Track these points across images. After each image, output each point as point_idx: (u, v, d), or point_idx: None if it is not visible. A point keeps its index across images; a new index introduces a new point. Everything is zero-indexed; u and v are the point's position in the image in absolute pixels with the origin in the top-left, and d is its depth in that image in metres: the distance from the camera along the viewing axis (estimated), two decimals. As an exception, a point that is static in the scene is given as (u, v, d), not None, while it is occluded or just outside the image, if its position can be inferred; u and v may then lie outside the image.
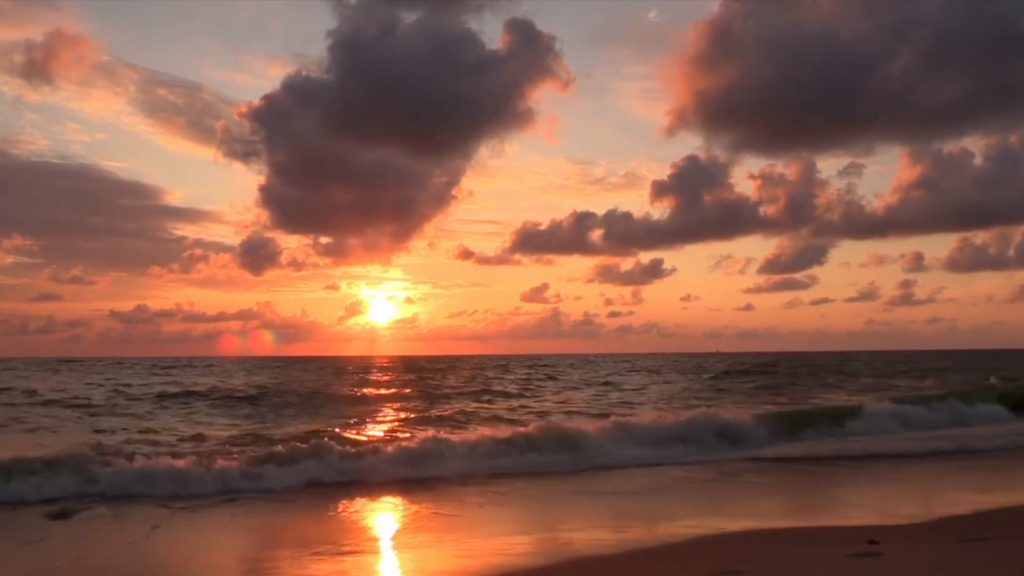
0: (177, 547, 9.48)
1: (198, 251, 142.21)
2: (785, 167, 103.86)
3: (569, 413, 26.43)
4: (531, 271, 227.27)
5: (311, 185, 70.57)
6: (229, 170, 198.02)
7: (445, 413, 25.24)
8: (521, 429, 17.73)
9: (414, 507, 12.12)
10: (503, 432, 17.54)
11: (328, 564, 8.36)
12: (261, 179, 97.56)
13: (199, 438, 18.45)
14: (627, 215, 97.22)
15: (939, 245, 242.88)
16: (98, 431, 20.59)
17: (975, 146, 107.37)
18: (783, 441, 19.37)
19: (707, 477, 14.89)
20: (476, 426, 20.83)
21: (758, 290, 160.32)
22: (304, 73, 62.68)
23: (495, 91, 58.82)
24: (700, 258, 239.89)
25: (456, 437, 17.08)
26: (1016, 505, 11.35)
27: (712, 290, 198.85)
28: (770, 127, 65.11)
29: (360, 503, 12.34)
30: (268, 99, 61.14)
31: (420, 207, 77.67)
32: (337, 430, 19.30)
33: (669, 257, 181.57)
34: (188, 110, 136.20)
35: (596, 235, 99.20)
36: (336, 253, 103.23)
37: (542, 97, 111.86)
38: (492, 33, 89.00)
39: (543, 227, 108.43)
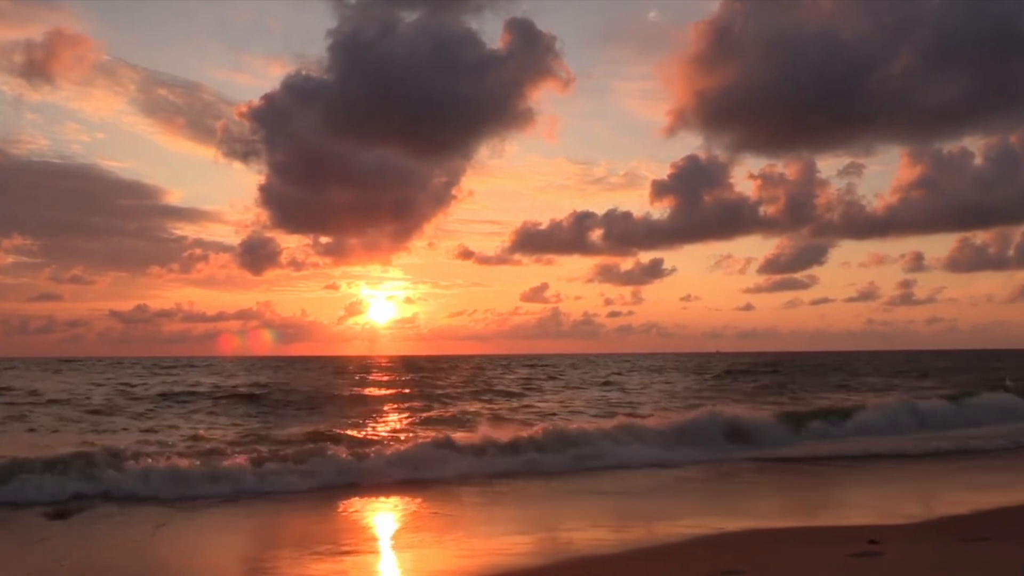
0: (178, 547, 9.49)
1: (198, 251, 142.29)
2: (785, 167, 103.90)
3: (573, 412, 26.48)
4: (531, 271, 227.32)
5: (311, 185, 70.58)
6: (229, 170, 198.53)
7: (449, 414, 25.22)
8: (528, 431, 17.70)
9: (414, 507, 12.13)
10: (519, 432, 17.51)
11: (328, 564, 8.37)
12: (261, 179, 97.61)
13: (203, 439, 18.43)
14: (627, 215, 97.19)
15: (939, 245, 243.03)
16: (102, 431, 20.60)
17: (975, 146, 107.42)
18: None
19: (707, 477, 14.90)
20: (480, 426, 20.76)
21: (758, 290, 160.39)
22: (304, 73, 62.74)
23: (495, 91, 58.85)
24: (700, 258, 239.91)
25: (463, 438, 17.01)
26: (1016, 505, 11.35)
27: (712, 290, 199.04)
28: (770, 127, 65.14)
29: (360, 503, 12.35)
30: (268, 99, 61.09)
31: (420, 207, 77.66)
32: (343, 431, 19.31)
33: (669, 257, 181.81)
34: (188, 110, 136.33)
35: (596, 235, 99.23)
36: (336, 253, 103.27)
37: (542, 97, 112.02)
38: (492, 33, 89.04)
39: (543, 227, 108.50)
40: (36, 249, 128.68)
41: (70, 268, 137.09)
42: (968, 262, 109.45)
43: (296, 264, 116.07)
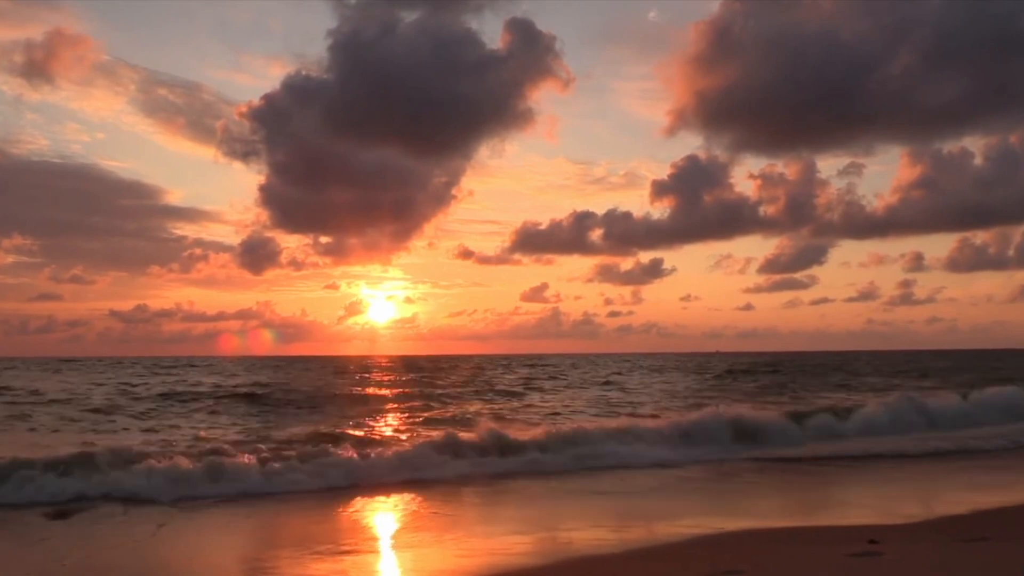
0: (179, 547, 9.49)
1: (198, 251, 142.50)
2: (785, 167, 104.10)
3: (575, 412, 26.49)
4: (531, 271, 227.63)
5: (311, 185, 70.64)
6: (229, 170, 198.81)
7: (450, 414, 25.22)
8: (530, 432, 17.68)
9: (414, 507, 12.14)
10: (522, 432, 17.49)
11: (328, 564, 8.37)
12: (261, 179, 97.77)
13: (203, 439, 18.42)
14: (627, 215, 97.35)
15: (939, 245, 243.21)
16: (103, 432, 20.61)
17: (975, 146, 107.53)
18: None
19: (707, 477, 14.91)
20: (482, 426, 20.71)
21: (758, 290, 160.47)
22: (304, 73, 62.74)
23: (495, 91, 58.88)
24: (700, 258, 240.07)
25: (465, 438, 16.98)
26: (1016, 505, 11.35)
27: (712, 290, 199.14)
28: (770, 127, 65.20)
29: (360, 503, 12.35)
30: (268, 99, 61.18)
31: (420, 207, 77.73)
32: (345, 431, 19.31)
33: (669, 257, 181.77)
34: (188, 110, 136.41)
35: (596, 235, 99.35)
36: (336, 253, 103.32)
37: (542, 97, 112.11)
38: (492, 33, 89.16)
39: (543, 227, 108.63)
40: (36, 249, 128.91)
41: (70, 268, 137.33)
42: (968, 262, 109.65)
43: (296, 264, 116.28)
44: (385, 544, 9.67)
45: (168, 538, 9.90)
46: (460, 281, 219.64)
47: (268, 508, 12.06)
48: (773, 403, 28.94)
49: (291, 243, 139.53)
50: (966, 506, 11.26)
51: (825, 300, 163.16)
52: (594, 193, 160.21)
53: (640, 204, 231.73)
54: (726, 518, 10.69)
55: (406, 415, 25.38)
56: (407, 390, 38.71)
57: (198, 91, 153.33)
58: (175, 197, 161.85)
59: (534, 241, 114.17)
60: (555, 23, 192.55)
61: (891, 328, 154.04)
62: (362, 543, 9.57)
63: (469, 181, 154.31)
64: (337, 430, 19.43)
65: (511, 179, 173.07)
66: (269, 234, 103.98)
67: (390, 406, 29.36)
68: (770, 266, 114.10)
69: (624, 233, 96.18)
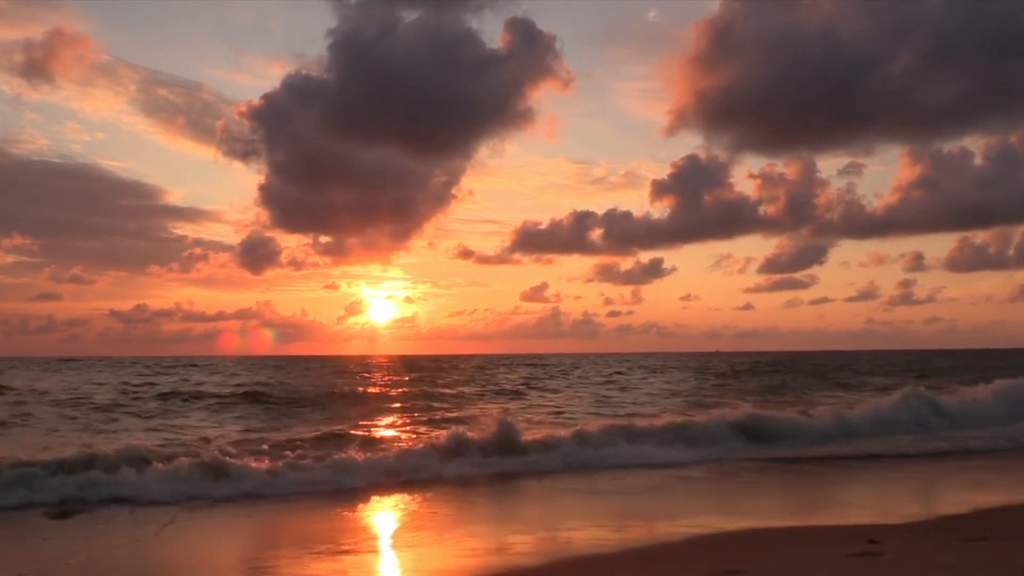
0: (180, 547, 9.49)
1: (198, 250, 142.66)
2: (785, 167, 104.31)
3: (577, 412, 26.47)
4: (531, 270, 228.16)
5: (311, 184, 70.69)
6: (229, 169, 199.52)
7: (453, 414, 25.17)
8: (532, 433, 17.65)
9: (414, 507, 12.14)
10: (525, 433, 17.46)
11: (328, 563, 8.37)
12: (261, 178, 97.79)
13: (206, 439, 18.43)
14: (627, 215, 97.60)
15: (939, 245, 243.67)
16: (104, 432, 20.60)
17: (975, 146, 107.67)
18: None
19: (707, 477, 14.90)
20: (486, 426, 20.66)
21: (758, 290, 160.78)
22: (304, 73, 62.64)
23: (495, 91, 58.92)
24: (700, 258, 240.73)
25: (473, 437, 16.95)
26: (1016, 505, 11.35)
27: (712, 290, 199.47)
28: (770, 127, 65.26)
29: (360, 503, 12.34)
30: (268, 98, 61.24)
31: (420, 207, 77.84)
32: (349, 431, 19.33)
33: (669, 257, 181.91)
34: (188, 110, 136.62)
35: (596, 235, 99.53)
36: (336, 252, 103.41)
37: (542, 97, 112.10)
38: (492, 32, 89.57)
39: (543, 226, 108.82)
40: (36, 249, 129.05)
41: (70, 268, 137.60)
42: (968, 262, 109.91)
43: (296, 264, 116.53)
44: (385, 544, 9.66)
45: (169, 538, 9.89)
46: (460, 281, 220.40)
47: (269, 508, 12.06)
48: (776, 402, 28.93)
49: (291, 243, 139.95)
50: (966, 506, 11.26)
51: (825, 300, 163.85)
52: (594, 193, 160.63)
53: (640, 204, 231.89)
54: (726, 518, 10.69)
55: (407, 415, 25.35)
56: (408, 390, 38.68)
57: (198, 91, 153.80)
58: (175, 197, 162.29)
59: (534, 241, 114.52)
60: (555, 23, 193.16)
61: (891, 328, 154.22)
62: (362, 543, 9.57)
63: (469, 181, 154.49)
64: (339, 430, 19.43)
65: (511, 179, 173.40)
66: (269, 234, 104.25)
67: (391, 406, 29.34)
68: (770, 266, 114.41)
69: (624, 233, 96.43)
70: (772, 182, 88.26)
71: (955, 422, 22.17)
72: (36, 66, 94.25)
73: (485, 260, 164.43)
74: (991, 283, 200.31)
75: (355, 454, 15.08)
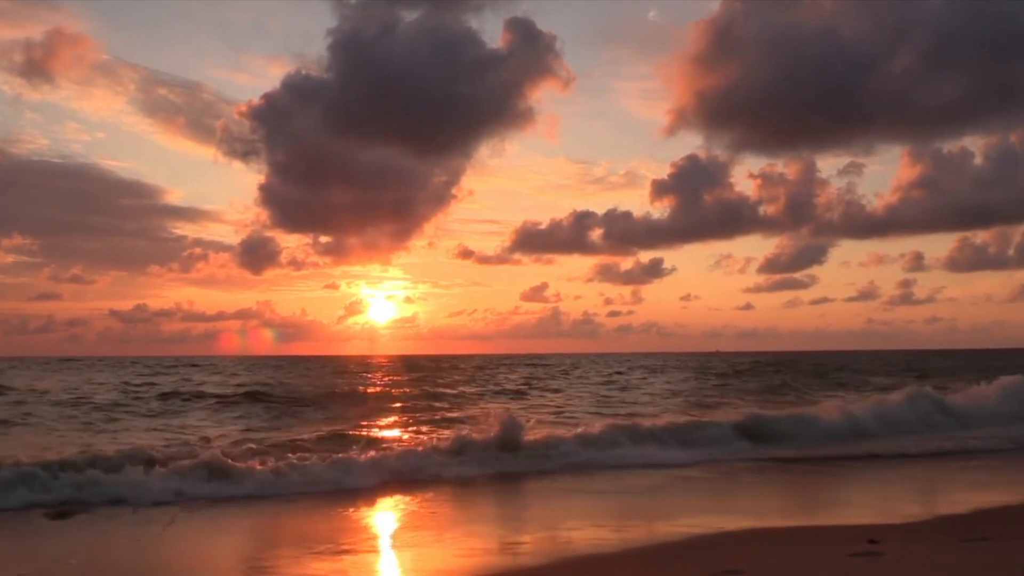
0: (180, 547, 9.49)
1: (198, 250, 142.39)
2: (785, 166, 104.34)
3: (579, 411, 26.47)
4: (531, 270, 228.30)
5: (311, 184, 70.52)
6: (229, 169, 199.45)
7: (455, 414, 25.15)
8: (534, 434, 17.64)
9: (414, 506, 12.14)
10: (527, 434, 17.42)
11: (328, 563, 8.37)
12: (261, 178, 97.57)
13: (207, 438, 18.43)
14: (627, 214, 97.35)
15: (939, 245, 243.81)
16: (105, 432, 20.60)
17: (975, 146, 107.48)
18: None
19: (707, 477, 14.90)
20: (489, 427, 20.60)
21: (758, 290, 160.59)
22: (304, 72, 62.31)
23: (495, 90, 58.84)
24: (700, 257, 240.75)
25: (476, 438, 16.92)
26: (1016, 505, 11.35)
27: (712, 290, 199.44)
28: (770, 126, 65.21)
29: (360, 503, 12.34)
30: (268, 98, 60.96)
31: (420, 206, 77.74)
32: (351, 431, 19.33)
33: (669, 256, 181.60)
34: (188, 109, 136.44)
35: (596, 234, 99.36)
36: (336, 252, 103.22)
37: (542, 96, 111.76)
38: (492, 32, 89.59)
39: (543, 226, 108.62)
40: (36, 249, 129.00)
41: (70, 267, 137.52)
42: (968, 262, 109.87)
43: (296, 264, 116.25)
44: (385, 544, 9.66)
45: (170, 538, 9.90)
46: (460, 281, 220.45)
47: (269, 508, 12.07)
48: (778, 402, 28.92)
49: (291, 243, 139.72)
50: (966, 506, 11.26)
51: (825, 300, 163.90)
52: (594, 193, 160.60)
53: (640, 204, 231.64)
54: (726, 518, 10.68)
55: (408, 415, 25.34)
56: (408, 390, 38.65)
57: (198, 91, 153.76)
58: (175, 197, 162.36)
59: (534, 241, 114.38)
60: (555, 23, 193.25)
61: (891, 328, 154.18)
62: (362, 543, 9.57)
63: (469, 181, 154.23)
64: (339, 430, 19.43)
65: (511, 179, 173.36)
66: (269, 234, 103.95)
67: (391, 405, 29.33)
68: (770, 266, 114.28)
69: (624, 233, 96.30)
70: (772, 182, 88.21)
71: (961, 421, 22.30)
72: (36, 66, 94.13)
73: (485, 260, 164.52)
74: (991, 283, 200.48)
75: (356, 454, 15.07)
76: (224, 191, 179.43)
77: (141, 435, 19.39)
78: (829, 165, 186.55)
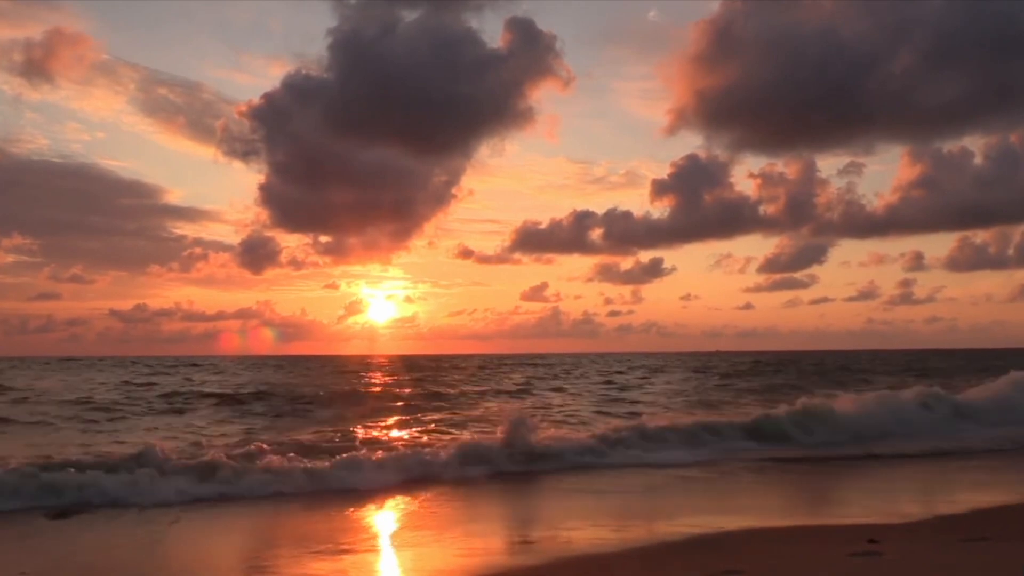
0: (179, 546, 9.50)
1: (198, 250, 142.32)
2: (785, 166, 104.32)
3: (580, 411, 26.46)
4: (531, 270, 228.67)
5: (311, 184, 70.42)
6: (229, 169, 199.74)
7: (459, 415, 25.12)
8: (537, 435, 17.63)
9: (414, 506, 12.14)
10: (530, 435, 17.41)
11: (328, 563, 8.37)
12: (261, 178, 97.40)
13: (208, 438, 18.42)
14: (627, 214, 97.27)
15: (939, 244, 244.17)
16: (105, 432, 20.62)
17: (975, 146, 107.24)
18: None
19: (707, 476, 14.89)
20: (496, 429, 20.50)
21: (758, 289, 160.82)
22: (304, 72, 62.23)
23: (495, 90, 58.78)
24: (700, 257, 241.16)
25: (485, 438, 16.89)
26: (1016, 505, 11.35)
27: (712, 289, 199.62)
28: (770, 126, 65.16)
29: (360, 503, 12.33)
30: (268, 98, 60.88)
31: (420, 206, 77.63)
32: (353, 431, 19.32)
33: (669, 256, 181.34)
34: (188, 109, 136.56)
35: (596, 234, 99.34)
36: (336, 252, 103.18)
37: (542, 96, 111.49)
38: (492, 32, 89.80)
39: (543, 226, 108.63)
40: (36, 248, 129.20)
41: (70, 267, 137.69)
42: (968, 261, 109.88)
43: (296, 263, 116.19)
44: (385, 544, 9.66)
45: (169, 538, 9.90)
46: (460, 280, 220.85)
47: (269, 508, 12.07)
48: (781, 402, 28.83)
49: (291, 242, 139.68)
50: (966, 506, 11.26)
51: (825, 299, 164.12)
52: (594, 192, 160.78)
53: (640, 203, 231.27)
54: (726, 517, 10.68)
55: (409, 415, 25.30)
56: (409, 390, 38.62)
57: (198, 90, 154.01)
58: (175, 196, 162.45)
59: (534, 240, 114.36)
60: (555, 22, 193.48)
61: (891, 327, 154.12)
62: (362, 543, 9.57)
63: (469, 180, 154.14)
64: (340, 430, 19.44)
65: (511, 178, 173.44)
66: (269, 233, 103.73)
67: (392, 405, 29.30)
68: (770, 265, 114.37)
69: (624, 232, 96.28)
70: (772, 182, 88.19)
71: (974, 418, 22.40)
72: (36, 66, 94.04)
73: (485, 260, 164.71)
74: (991, 283, 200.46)
75: (357, 454, 15.07)
76: (224, 191, 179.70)
77: (141, 435, 19.39)
78: (829, 165, 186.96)
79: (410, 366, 79.08)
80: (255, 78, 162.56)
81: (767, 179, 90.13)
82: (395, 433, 20.21)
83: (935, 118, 61.30)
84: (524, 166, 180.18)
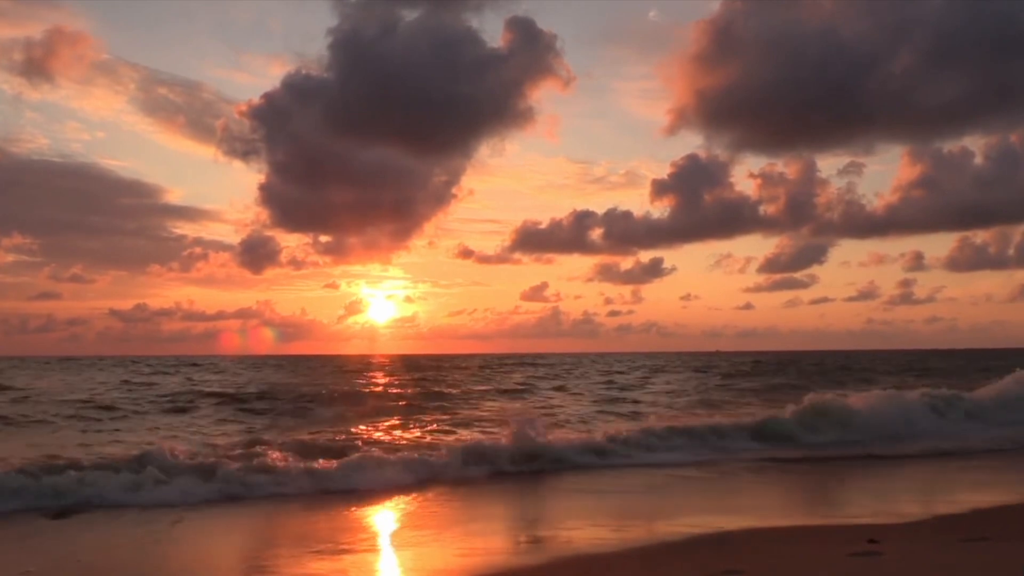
0: (179, 546, 9.50)
1: (198, 250, 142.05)
2: (785, 166, 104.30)
3: (582, 411, 26.45)
4: (531, 270, 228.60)
5: (311, 184, 70.38)
6: (229, 169, 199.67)
7: (461, 415, 25.11)
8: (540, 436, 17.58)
9: (414, 506, 12.15)
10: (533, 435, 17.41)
11: (328, 563, 8.38)
12: (261, 178, 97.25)
13: (210, 438, 18.42)
14: (627, 214, 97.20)
15: (939, 245, 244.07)
16: (105, 432, 20.62)
17: (975, 146, 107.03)
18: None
19: (707, 476, 14.90)
20: (498, 429, 20.46)
21: (758, 289, 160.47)
22: (304, 72, 62.19)
23: (496, 90, 58.76)
24: (700, 257, 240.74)
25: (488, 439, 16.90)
26: (1016, 505, 11.36)
27: (712, 289, 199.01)
28: (770, 126, 65.15)
29: (360, 503, 12.35)
30: (268, 97, 60.86)
31: (420, 206, 77.62)
32: (354, 430, 19.31)
33: (669, 256, 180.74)
34: (188, 109, 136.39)
35: (596, 234, 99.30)
36: (336, 252, 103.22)
37: (542, 96, 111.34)
38: (493, 31, 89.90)
39: (543, 226, 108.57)
40: (36, 248, 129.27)
41: (70, 267, 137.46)
42: (968, 261, 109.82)
43: (296, 263, 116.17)
44: (385, 544, 9.67)
45: (169, 538, 9.91)
46: (460, 280, 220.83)
47: (269, 508, 12.07)
48: (783, 401, 28.82)
49: (291, 242, 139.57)
50: (966, 506, 11.27)
51: (825, 299, 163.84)
52: (594, 192, 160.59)
53: (640, 203, 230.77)
54: (726, 517, 10.69)
55: (409, 415, 25.29)
56: (410, 390, 38.58)
57: (198, 90, 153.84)
58: (175, 196, 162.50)
59: (534, 240, 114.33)
60: (555, 22, 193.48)
61: (891, 328, 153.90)
62: (362, 543, 9.58)
63: (469, 180, 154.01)
64: (341, 430, 19.43)
65: (511, 178, 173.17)
66: (269, 233, 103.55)
67: (393, 405, 29.26)
68: (770, 265, 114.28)
69: (624, 232, 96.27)
70: (772, 182, 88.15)
71: (983, 418, 22.47)
72: (36, 65, 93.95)
73: (485, 260, 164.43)
74: (991, 283, 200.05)
75: (358, 454, 15.06)
76: (224, 190, 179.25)
77: (141, 435, 19.39)
78: (829, 165, 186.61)
79: (410, 366, 79.08)
80: (255, 78, 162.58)
81: (767, 179, 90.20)
82: (397, 433, 20.21)
83: (935, 118, 61.35)
84: (524, 166, 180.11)
